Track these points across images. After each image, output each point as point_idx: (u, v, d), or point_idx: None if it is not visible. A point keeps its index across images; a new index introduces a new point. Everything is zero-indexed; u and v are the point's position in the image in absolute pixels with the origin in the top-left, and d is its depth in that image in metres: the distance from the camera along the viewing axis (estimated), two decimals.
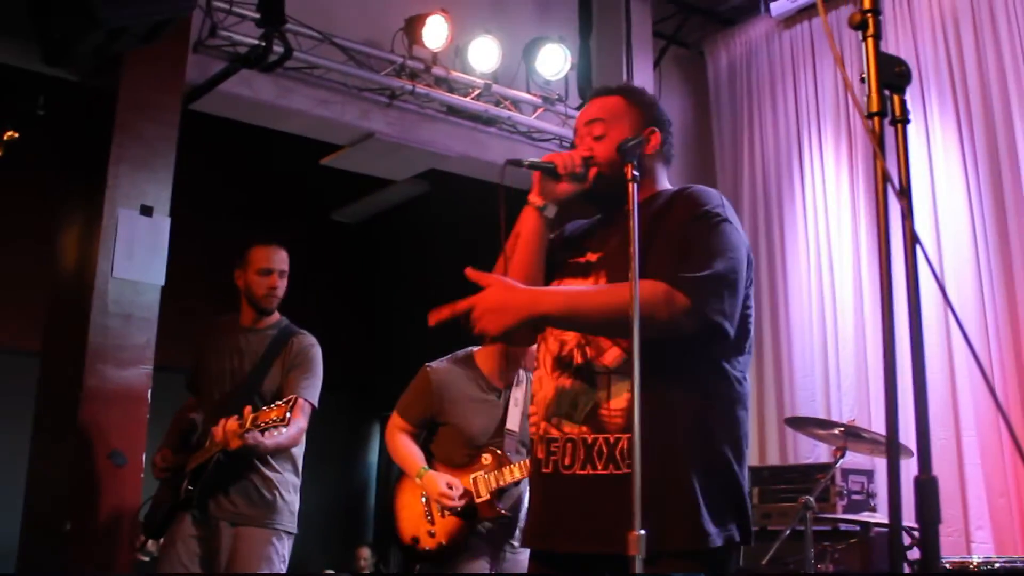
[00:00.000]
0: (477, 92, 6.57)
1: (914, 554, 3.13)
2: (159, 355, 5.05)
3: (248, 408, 4.06)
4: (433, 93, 6.40)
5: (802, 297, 6.86)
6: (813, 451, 6.38)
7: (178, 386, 4.83)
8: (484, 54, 6.50)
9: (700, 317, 2.34)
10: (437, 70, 6.37)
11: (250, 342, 4.54)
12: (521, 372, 4.30)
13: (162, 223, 5.12)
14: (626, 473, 2.34)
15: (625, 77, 7.08)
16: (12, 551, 5.26)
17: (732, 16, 7.75)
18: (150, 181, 5.13)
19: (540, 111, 6.86)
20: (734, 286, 2.41)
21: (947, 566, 4.41)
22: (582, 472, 2.45)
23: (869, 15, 1.74)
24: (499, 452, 4.13)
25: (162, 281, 5.10)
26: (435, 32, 6.20)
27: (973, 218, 5.97)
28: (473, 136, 6.74)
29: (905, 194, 1.69)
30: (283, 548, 4.37)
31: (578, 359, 2.53)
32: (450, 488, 4.06)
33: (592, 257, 2.63)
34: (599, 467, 2.43)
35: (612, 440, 2.42)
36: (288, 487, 4.42)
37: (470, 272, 2.43)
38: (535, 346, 2.76)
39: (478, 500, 4.09)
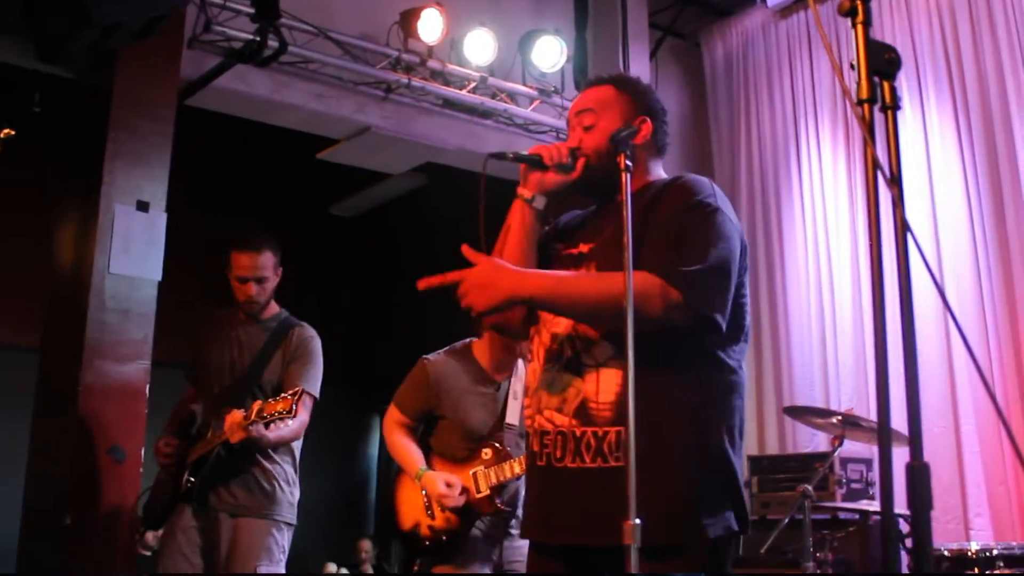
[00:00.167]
0: (473, 85, 6.56)
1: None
2: (157, 350, 5.05)
3: (258, 403, 4.07)
4: (429, 86, 6.40)
5: (800, 287, 6.87)
6: (812, 440, 6.39)
7: (176, 381, 4.84)
8: (480, 47, 6.50)
9: (692, 311, 2.34)
10: (433, 63, 6.37)
11: (250, 334, 4.55)
12: (520, 364, 4.28)
13: (158, 219, 5.12)
14: (614, 466, 2.36)
15: (621, 68, 7.07)
16: (13, 546, 5.28)
17: (728, 7, 7.74)
18: (146, 177, 5.13)
19: (536, 103, 6.85)
20: (727, 278, 2.41)
21: (946, 553, 4.42)
22: (572, 465, 2.46)
23: (858, 2, 1.74)
24: (499, 447, 4.11)
25: (159, 276, 5.10)
26: (430, 25, 6.19)
27: (971, 208, 5.97)
28: (469, 129, 6.74)
29: (896, 182, 1.69)
30: (283, 539, 4.38)
31: (568, 352, 2.53)
32: (449, 487, 4.05)
33: (584, 248, 2.63)
34: (587, 460, 2.44)
35: (600, 433, 2.43)
36: (287, 479, 4.43)
37: (466, 249, 2.43)
38: (524, 338, 2.77)
39: (477, 496, 4.07)
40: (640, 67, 7.19)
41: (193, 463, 4.37)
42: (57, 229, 5.50)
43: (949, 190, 6.07)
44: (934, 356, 5.88)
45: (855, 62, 1.70)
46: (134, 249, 5.02)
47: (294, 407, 3.97)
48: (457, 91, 6.53)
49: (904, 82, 6.27)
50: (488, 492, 4.06)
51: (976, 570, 4.28)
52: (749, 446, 6.23)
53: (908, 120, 6.24)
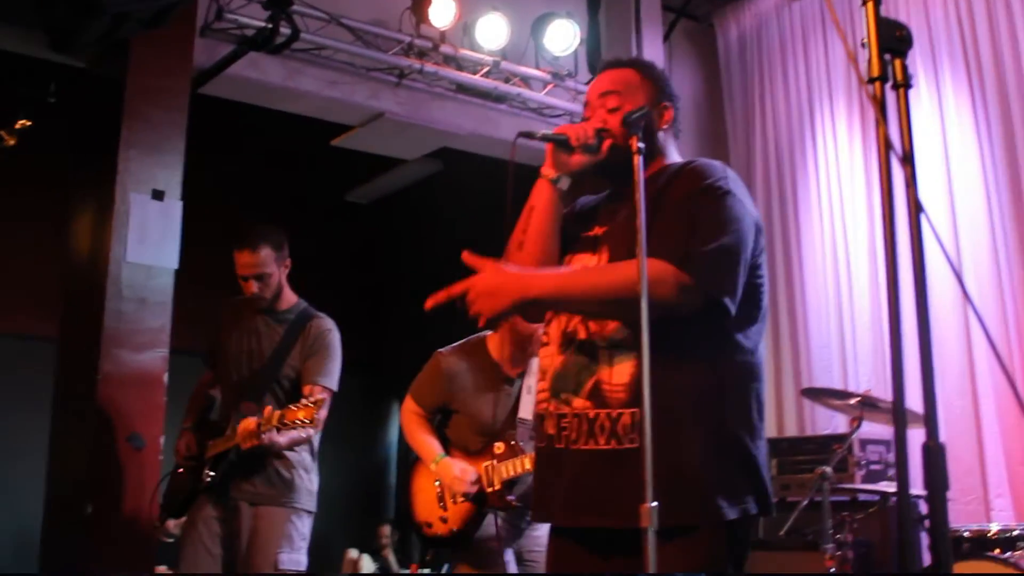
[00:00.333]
0: (486, 70, 6.54)
1: None
2: (175, 338, 5.08)
3: (278, 413, 4.09)
4: (442, 71, 6.38)
5: (817, 268, 6.83)
6: (831, 421, 6.36)
7: (194, 369, 4.87)
8: (492, 31, 6.47)
9: (701, 295, 2.34)
10: (445, 48, 6.35)
11: (268, 325, 4.56)
12: (535, 360, 4.28)
13: (174, 207, 5.14)
14: (628, 448, 2.35)
15: (635, 51, 7.04)
16: (35, 535, 5.32)
17: None
18: (161, 166, 5.14)
19: (550, 87, 6.83)
20: (737, 260, 2.39)
21: (966, 534, 4.40)
22: (585, 447, 2.46)
23: None
24: (513, 442, 4.11)
25: (175, 265, 5.12)
26: (442, 10, 6.17)
27: (988, 188, 5.92)
28: (483, 114, 6.72)
29: (908, 161, 1.68)
30: (303, 526, 4.41)
31: (582, 334, 2.53)
32: (464, 473, 4.06)
33: (599, 231, 2.63)
34: (601, 442, 2.43)
35: (614, 415, 2.42)
36: (306, 466, 4.46)
37: (466, 256, 2.44)
38: (539, 323, 2.76)
39: (489, 490, 4.08)
40: (653, 50, 7.16)
41: (212, 458, 4.40)
42: (73, 219, 5.53)
43: (966, 171, 6.01)
44: (952, 336, 5.84)
45: (866, 40, 1.69)
46: (150, 238, 5.04)
47: (315, 416, 4.00)
48: (470, 76, 6.52)
49: (919, 62, 6.22)
50: (499, 487, 4.06)
51: (997, 551, 4.27)
52: (768, 428, 6.20)
53: (924, 100, 6.19)
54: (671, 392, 2.36)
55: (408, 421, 4.36)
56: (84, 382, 4.91)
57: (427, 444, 4.25)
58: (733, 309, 2.38)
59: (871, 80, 1.66)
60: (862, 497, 5.24)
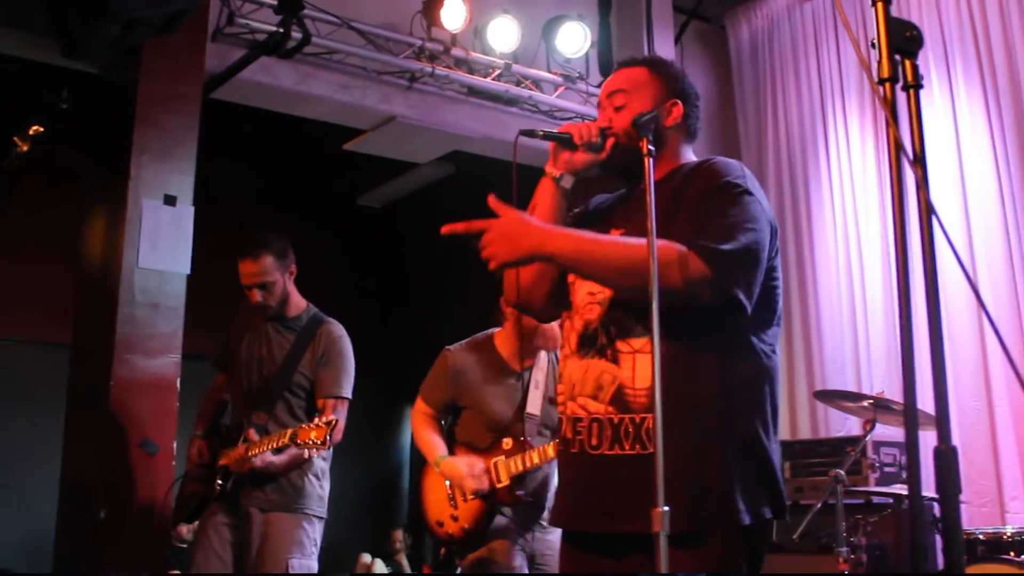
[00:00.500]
0: (497, 72, 6.54)
1: None
2: (187, 343, 5.08)
3: (288, 432, 4.12)
4: (453, 75, 6.38)
5: (830, 270, 6.81)
6: (844, 424, 6.34)
7: (207, 374, 4.89)
8: (503, 34, 6.47)
9: (719, 288, 2.30)
10: (456, 51, 6.35)
11: (279, 331, 4.56)
12: (542, 354, 4.29)
13: (186, 212, 5.14)
14: (653, 453, 2.33)
15: (646, 53, 7.03)
16: (48, 539, 5.34)
17: None
18: (173, 171, 5.15)
19: (561, 90, 6.83)
20: (755, 260, 2.37)
21: (981, 537, 4.38)
22: (610, 452, 2.44)
23: None
24: (520, 437, 4.12)
25: (188, 270, 5.12)
26: (453, 13, 6.16)
27: (1002, 190, 5.89)
28: (495, 116, 6.72)
29: (919, 162, 1.67)
30: (314, 532, 4.41)
31: (603, 338, 2.51)
32: (470, 468, 4.07)
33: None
34: (626, 447, 2.42)
35: (638, 420, 2.40)
36: (317, 472, 4.45)
37: (492, 199, 2.40)
38: (555, 326, 2.75)
39: (498, 485, 4.09)
40: (665, 51, 7.14)
41: (224, 467, 4.41)
42: (86, 224, 5.54)
43: (979, 171, 5.99)
44: (967, 338, 5.82)
45: (876, 41, 1.67)
46: (162, 243, 5.04)
47: (328, 438, 4.00)
48: (481, 79, 6.52)
49: (932, 63, 6.20)
50: (508, 482, 4.07)
51: (1012, 553, 4.25)
52: (781, 431, 6.19)
53: (937, 101, 6.16)
54: (690, 395, 2.36)
55: (417, 421, 4.39)
56: (97, 387, 4.92)
57: (431, 443, 4.27)
58: (749, 307, 2.35)
59: (881, 81, 1.65)
60: (876, 500, 5.23)
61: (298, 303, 4.61)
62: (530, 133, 2.60)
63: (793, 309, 6.88)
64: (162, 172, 5.12)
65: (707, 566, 2.32)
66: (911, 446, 1.59)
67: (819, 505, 4.62)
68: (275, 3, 5.59)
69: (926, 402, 1.67)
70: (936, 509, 3.81)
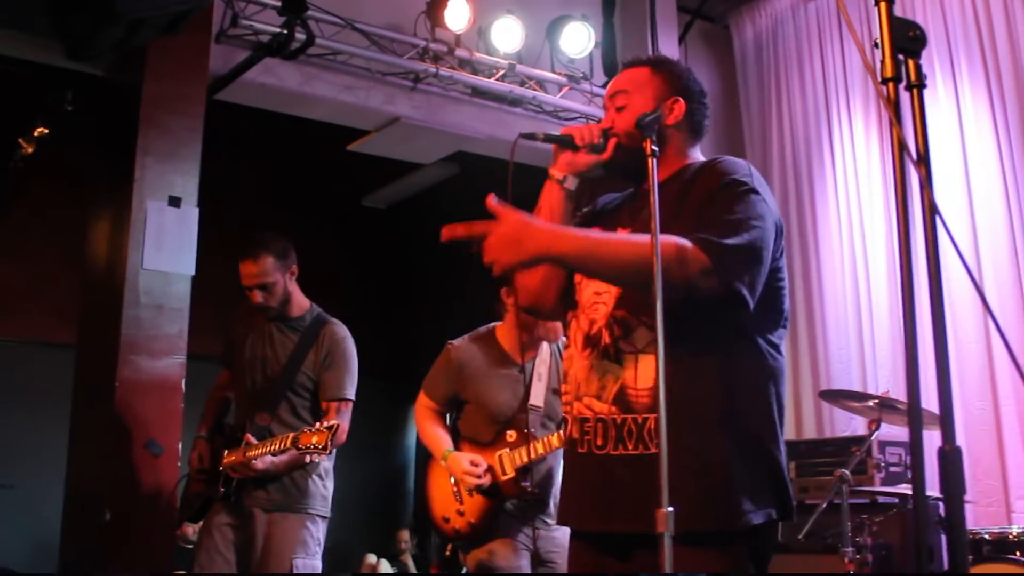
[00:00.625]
0: (501, 73, 6.54)
1: None
2: (192, 344, 5.08)
3: (286, 438, 4.14)
4: (457, 75, 6.38)
5: (835, 270, 6.80)
6: (849, 424, 6.34)
7: (212, 375, 4.90)
8: (507, 34, 6.47)
9: (721, 283, 2.28)
10: (460, 52, 6.35)
11: (282, 332, 4.56)
12: (545, 346, 4.29)
13: (190, 213, 5.15)
14: (655, 453, 2.32)
15: (650, 53, 7.02)
16: (53, 541, 5.35)
17: None
18: (177, 172, 5.15)
19: (565, 90, 6.83)
20: (759, 257, 2.36)
21: (987, 537, 4.38)
22: (615, 453, 2.43)
23: None
24: (524, 429, 4.12)
25: (192, 271, 5.13)
26: (457, 14, 6.16)
27: (1007, 189, 5.87)
28: (499, 117, 6.72)
29: (923, 162, 1.66)
30: (317, 532, 4.41)
31: (606, 338, 2.50)
32: (474, 466, 4.08)
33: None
34: (629, 447, 2.41)
35: (640, 420, 2.40)
36: (321, 472, 4.46)
37: (491, 201, 2.37)
38: (558, 321, 2.75)
39: (503, 478, 4.10)
40: (669, 51, 7.13)
41: (225, 472, 4.42)
42: (90, 226, 5.55)
43: (984, 170, 5.98)
44: (972, 338, 5.81)
45: (879, 41, 1.67)
46: (167, 245, 5.04)
47: (329, 443, 4.01)
48: (485, 79, 6.51)
49: (936, 62, 6.19)
50: (513, 474, 4.08)
51: (1018, 553, 4.25)
52: (786, 431, 6.18)
53: (941, 100, 6.15)
54: (694, 396, 2.35)
55: (420, 416, 4.39)
56: (102, 388, 4.92)
57: (436, 440, 4.28)
58: (751, 302, 2.33)
59: (884, 81, 1.65)
60: (881, 500, 5.22)
61: (301, 303, 4.61)
62: (531, 136, 2.61)
63: (798, 309, 6.87)
64: (166, 173, 5.12)
65: (714, 567, 2.32)
66: (915, 446, 1.59)
67: (824, 505, 4.62)
68: (279, 4, 5.59)
69: (931, 402, 1.66)
70: (941, 509, 3.80)
